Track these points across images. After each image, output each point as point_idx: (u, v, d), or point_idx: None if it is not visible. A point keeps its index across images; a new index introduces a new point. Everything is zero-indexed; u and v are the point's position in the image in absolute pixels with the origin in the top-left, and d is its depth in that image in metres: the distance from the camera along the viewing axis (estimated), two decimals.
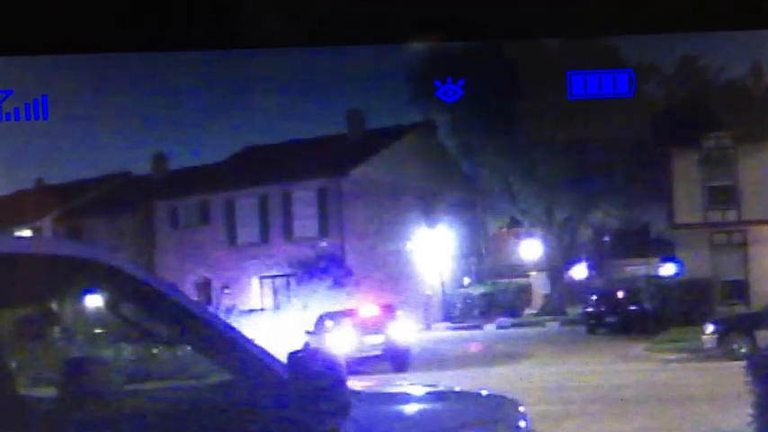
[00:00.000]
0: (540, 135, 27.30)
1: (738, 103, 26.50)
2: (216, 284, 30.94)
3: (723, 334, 19.66)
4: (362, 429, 4.05)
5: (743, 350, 18.59)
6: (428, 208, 31.48)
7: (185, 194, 32.31)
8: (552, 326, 29.06)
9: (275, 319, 26.78)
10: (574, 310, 29.46)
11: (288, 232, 30.98)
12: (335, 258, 29.14)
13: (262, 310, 29.18)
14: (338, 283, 28.34)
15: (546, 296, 32.24)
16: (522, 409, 4.96)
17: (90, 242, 29.23)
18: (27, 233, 29.60)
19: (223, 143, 32.82)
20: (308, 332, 21.77)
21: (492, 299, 31.14)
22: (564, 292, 31.75)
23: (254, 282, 31.03)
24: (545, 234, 32.16)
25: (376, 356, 20.27)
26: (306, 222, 30.60)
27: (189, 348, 4.55)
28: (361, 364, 18.57)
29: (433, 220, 31.57)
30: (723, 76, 29.20)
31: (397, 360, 20.46)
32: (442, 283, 31.20)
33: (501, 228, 36.07)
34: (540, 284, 32.64)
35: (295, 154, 30.47)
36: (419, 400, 4.76)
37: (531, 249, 33.19)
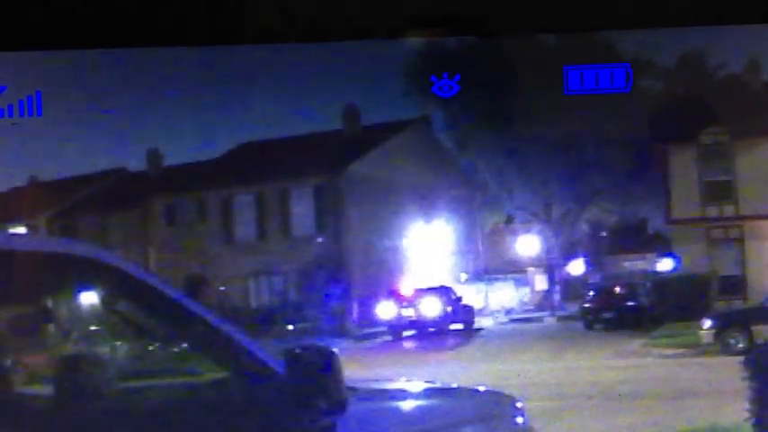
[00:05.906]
0: (536, 130, 27.25)
1: (736, 98, 26.48)
2: (212, 282, 30.87)
3: (720, 329, 19.65)
4: (359, 426, 4.03)
5: (740, 345, 18.60)
6: (425, 204, 31.44)
7: (181, 191, 32.23)
8: (549, 321, 29.06)
9: None
10: (571, 306, 29.45)
11: (285, 230, 30.93)
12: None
13: None
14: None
15: (543, 292, 32.24)
16: (519, 404, 4.95)
17: (85, 239, 29.18)
18: (22, 230, 29.55)
19: (219, 139, 32.69)
20: (403, 306, 27.19)
21: (489, 295, 31.15)
22: (561, 288, 31.76)
23: (251, 279, 31.00)
24: (542, 230, 32.15)
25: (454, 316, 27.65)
26: (303, 220, 30.56)
27: (185, 345, 4.53)
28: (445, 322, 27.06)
29: (430, 216, 31.54)
30: (721, 72, 29.21)
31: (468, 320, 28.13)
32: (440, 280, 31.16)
33: (498, 223, 36.03)
34: (537, 280, 32.63)
35: (291, 151, 30.40)
36: (416, 396, 4.75)
37: (528, 245, 33.16)
